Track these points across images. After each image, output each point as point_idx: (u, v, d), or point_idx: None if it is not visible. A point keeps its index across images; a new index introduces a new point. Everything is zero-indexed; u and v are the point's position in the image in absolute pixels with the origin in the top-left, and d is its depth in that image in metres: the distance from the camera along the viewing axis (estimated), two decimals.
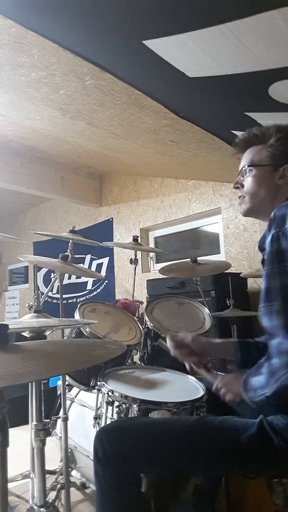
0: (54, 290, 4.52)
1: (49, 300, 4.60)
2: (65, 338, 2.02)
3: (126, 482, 1.05)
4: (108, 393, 1.32)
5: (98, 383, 1.50)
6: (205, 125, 2.07)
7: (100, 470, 1.06)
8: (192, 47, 1.24)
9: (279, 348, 0.90)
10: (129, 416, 1.25)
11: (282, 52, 1.20)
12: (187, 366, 1.26)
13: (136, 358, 1.83)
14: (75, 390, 1.97)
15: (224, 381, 1.12)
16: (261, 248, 1.17)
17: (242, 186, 1.18)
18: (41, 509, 1.18)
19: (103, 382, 1.38)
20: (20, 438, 2.11)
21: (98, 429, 1.23)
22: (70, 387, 1.89)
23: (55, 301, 4.63)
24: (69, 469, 1.77)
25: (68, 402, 1.91)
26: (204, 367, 1.23)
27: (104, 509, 1.06)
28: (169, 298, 2.05)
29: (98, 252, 4.44)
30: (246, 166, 1.16)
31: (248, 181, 1.16)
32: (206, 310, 1.96)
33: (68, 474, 1.70)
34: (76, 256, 2.09)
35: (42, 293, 1.86)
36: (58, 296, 3.77)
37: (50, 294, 4.43)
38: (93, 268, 4.50)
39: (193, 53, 1.28)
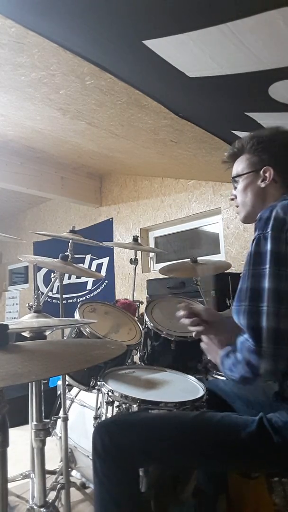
0: (54, 290, 4.52)
1: (49, 300, 4.60)
2: (65, 338, 2.02)
3: (125, 476, 1.06)
4: (108, 393, 1.32)
5: (98, 383, 1.50)
6: (205, 125, 2.07)
7: (99, 463, 1.06)
8: (192, 47, 1.24)
9: (244, 345, 0.95)
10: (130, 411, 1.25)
11: (282, 52, 1.20)
12: (194, 331, 1.24)
13: (136, 358, 1.83)
14: (75, 390, 1.97)
15: (209, 343, 1.17)
16: None
17: (236, 197, 1.25)
18: (41, 509, 1.18)
19: (103, 382, 1.38)
20: (20, 438, 2.11)
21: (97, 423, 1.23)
22: (70, 387, 1.89)
23: (55, 301, 4.63)
24: (69, 469, 1.77)
25: (68, 402, 1.91)
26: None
27: (102, 503, 1.06)
28: (169, 298, 2.05)
29: (98, 252, 4.44)
30: (234, 179, 1.23)
31: (238, 191, 1.22)
32: None
33: (68, 474, 1.70)
34: (76, 256, 2.09)
35: (42, 293, 1.86)
36: (58, 296, 3.77)
37: (50, 294, 4.43)
38: (93, 268, 4.50)
39: (193, 53, 1.28)
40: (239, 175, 1.21)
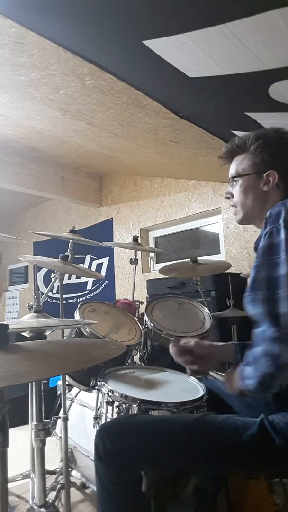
0: (54, 290, 4.52)
1: (49, 300, 4.60)
2: (65, 338, 2.02)
3: (127, 479, 1.06)
4: (108, 393, 1.32)
5: (98, 383, 1.50)
6: (205, 125, 2.07)
7: (101, 466, 1.06)
8: (192, 47, 1.24)
9: (262, 336, 0.92)
10: (130, 414, 1.25)
11: (282, 52, 1.20)
12: (189, 371, 1.26)
13: (136, 358, 1.83)
14: (75, 390, 1.97)
15: (229, 376, 1.12)
16: (256, 249, 1.18)
17: (232, 195, 1.22)
18: (41, 509, 1.18)
19: (103, 382, 1.38)
20: (20, 438, 2.11)
21: (99, 426, 1.23)
22: (70, 387, 1.89)
23: (55, 301, 4.63)
24: (69, 469, 1.77)
25: (68, 402, 1.91)
26: (210, 369, 1.24)
27: (104, 505, 1.06)
28: (169, 298, 2.05)
29: (98, 252, 4.44)
30: (234, 177, 1.20)
31: (236, 191, 1.19)
32: (206, 310, 1.96)
33: (68, 474, 1.70)
34: (76, 256, 2.09)
35: (42, 293, 1.86)
36: (58, 296, 3.77)
37: (50, 294, 4.43)
38: (93, 268, 4.50)
39: (193, 53, 1.28)
40: (240, 175, 1.18)
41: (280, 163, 1.14)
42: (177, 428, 1.08)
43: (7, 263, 6.20)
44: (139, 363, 1.82)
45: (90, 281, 4.55)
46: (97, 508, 1.09)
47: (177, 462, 1.08)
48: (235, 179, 1.19)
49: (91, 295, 4.50)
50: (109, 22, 1.26)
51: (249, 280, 1.02)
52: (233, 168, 1.21)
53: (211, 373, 1.24)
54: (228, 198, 1.24)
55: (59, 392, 2.01)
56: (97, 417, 1.48)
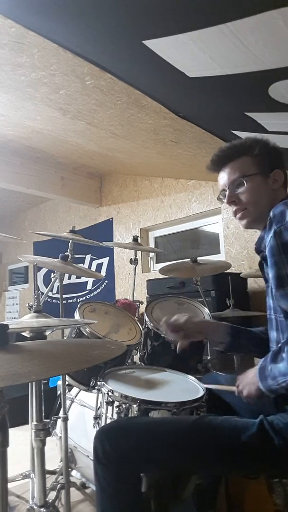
0: (54, 290, 4.52)
1: (49, 300, 4.60)
2: (65, 338, 2.02)
3: (126, 481, 1.05)
4: (108, 393, 1.32)
5: (98, 383, 1.50)
6: (205, 125, 2.07)
7: (100, 470, 1.06)
8: (192, 47, 1.24)
9: None
10: (129, 416, 1.25)
11: (282, 52, 1.20)
12: (179, 344, 1.27)
13: (136, 358, 1.83)
14: (75, 390, 1.97)
15: (241, 378, 1.12)
16: (258, 251, 1.18)
17: (239, 199, 1.17)
18: (41, 509, 1.18)
19: (103, 382, 1.38)
20: (20, 438, 2.11)
21: (98, 429, 1.23)
22: (70, 387, 1.89)
23: (55, 301, 4.63)
24: (69, 469, 1.77)
25: (68, 402, 1.91)
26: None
27: (104, 509, 1.06)
28: (169, 298, 2.05)
29: (98, 252, 4.44)
30: (241, 178, 1.16)
31: (246, 193, 1.16)
32: (206, 310, 1.96)
33: (68, 474, 1.70)
34: (76, 256, 2.09)
35: (42, 293, 1.86)
36: (58, 296, 3.77)
37: (50, 294, 4.43)
38: (93, 268, 4.50)
39: (193, 53, 1.28)
40: (248, 175, 1.15)
41: (284, 163, 1.17)
42: (177, 429, 1.08)
43: (7, 263, 6.20)
44: (139, 363, 1.82)
45: (90, 281, 4.55)
46: (96, 510, 1.09)
47: (177, 464, 1.08)
48: (244, 179, 1.15)
49: (91, 295, 4.50)
50: (109, 22, 1.26)
51: (271, 279, 1.02)
52: (234, 171, 1.18)
53: (217, 386, 1.26)
54: (233, 202, 1.19)
55: (59, 392, 2.01)
56: (97, 417, 1.48)
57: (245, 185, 1.15)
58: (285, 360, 0.94)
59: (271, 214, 1.04)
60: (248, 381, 1.06)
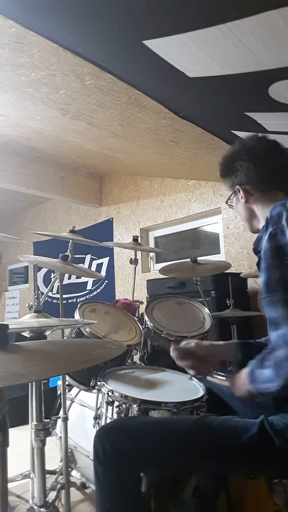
0: (54, 290, 4.52)
1: (49, 300, 4.60)
2: (65, 338, 2.02)
3: (126, 481, 1.05)
4: (108, 393, 1.32)
5: (98, 383, 1.50)
6: (205, 125, 2.07)
7: (100, 469, 1.06)
8: (192, 47, 1.24)
9: (284, 339, 0.91)
10: (129, 416, 1.25)
11: (282, 52, 1.20)
12: (192, 372, 1.26)
13: (136, 358, 1.83)
14: (75, 390, 1.97)
15: (234, 378, 1.12)
16: (256, 251, 1.19)
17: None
18: (41, 509, 1.18)
19: (103, 382, 1.38)
20: (20, 438, 2.11)
21: (98, 428, 1.23)
22: (70, 387, 1.89)
23: (55, 301, 4.63)
24: (69, 469, 1.77)
25: (68, 402, 1.91)
26: (212, 370, 1.24)
27: (103, 508, 1.06)
28: (169, 298, 2.05)
29: (98, 252, 4.44)
30: (228, 204, 1.32)
31: (237, 213, 1.32)
32: (206, 310, 1.96)
33: (68, 474, 1.70)
34: (76, 256, 2.09)
35: (42, 293, 1.86)
36: (58, 296, 3.77)
37: (50, 294, 4.43)
38: (93, 268, 4.50)
39: (193, 53, 1.28)
40: (228, 198, 1.30)
41: (241, 178, 1.22)
42: (177, 429, 1.08)
43: (7, 263, 6.20)
44: (139, 363, 1.82)
45: (90, 281, 4.55)
46: (96, 510, 1.09)
47: (176, 464, 1.08)
48: (228, 203, 1.32)
49: (91, 295, 4.50)
50: (109, 22, 1.26)
51: (260, 283, 1.02)
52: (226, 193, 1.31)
53: (211, 378, 1.24)
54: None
55: (59, 392, 2.01)
56: (97, 417, 1.48)
57: (233, 207, 1.30)
58: (268, 368, 0.94)
59: (268, 215, 1.04)
60: (240, 382, 1.07)
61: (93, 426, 1.49)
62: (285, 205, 1.01)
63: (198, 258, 2.26)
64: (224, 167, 1.27)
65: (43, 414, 1.21)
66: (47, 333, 1.28)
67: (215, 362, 1.22)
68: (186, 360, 1.23)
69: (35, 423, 1.19)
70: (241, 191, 1.22)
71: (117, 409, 1.28)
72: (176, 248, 3.94)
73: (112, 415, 1.30)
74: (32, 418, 1.23)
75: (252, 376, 0.99)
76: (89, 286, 4.58)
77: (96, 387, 1.58)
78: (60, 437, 1.81)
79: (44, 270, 4.70)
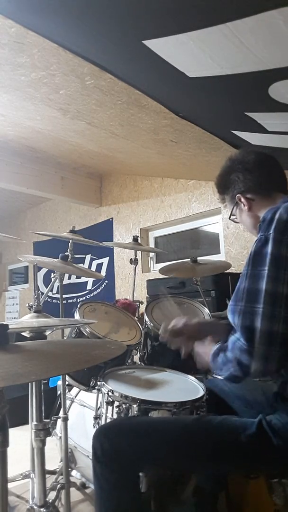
0: (54, 290, 4.52)
1: (49, 300, 4.60)
2: (65, 338, 2.02)
3: (125, 481, 1.06)
4: (108, 393, 1.32)
5: (98, 383, 1.50)
6: (205, 125, 2.07)
7: (99, 469, 1.06)
8: (192, 47, 1.24)
9: (236, 345, 0.97)
10: (129, 416, 1.25)
11: (282, 52, 1.20)
12: (182, 352, 1.29)
13: (136, 358, 1.83)
14: (75, 390, 1.97)
15: (199, 349, 1.20)
16: None
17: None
18: (41, 509, 1.18)
19: (103, 382, 1.38)
20: (20, 438, 2.11)
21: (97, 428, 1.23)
22: (70, 387, 1.89)
23: (55, 301, 4.63)
24: (69, 469, 1.77)
25: (68, 402, 1.91)
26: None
27: (103, 508, 1.06)
28: (169, 298, 2.05)
29: (98, 252, 4.44)
30: (232, 219, 1.35)
31: (241, 222, 1.33)
32: (206, 310, 1.96)
33: (68, 474, 1.70)
34: (76, 256, 2.09)
35: (42, 293, 1.86)
36: (58, 296, 3.77)
37: (50, 294, 4.43)
38: (93, 268, 4.50)
39: (193, 53, 1.28)
40: (231, 214, 1.33)
41: (240, 187, 1.24)
42: (175, 429, 1.08)
43: (7, 263, 6.20)
44: (139, 363, 1.82)
45: (90, 281, 4.55)
46: (95, 509, 1.09)
47: (175, 463, 1.09)
48: (232, 218, 1.34)
49: (91, 295, 4.50)
50: (109, 22, 1.26)
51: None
52: (227, 209, 1.34)
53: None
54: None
55: (59, 392, 2.01)
56: (97, 417, 1.48)
57: (237, 219, 1.32)
58: (221, 359, 1.02)
59: (261, 218, 1.05)
60: (204, 352, 1.15)
61: (93, 426, 1.49)
62: (277, 211, 1.01)
63: (198, 258, 2.27)
64: (221, 183, 1.32)
65: (43, 414, 1.21)
66: (47, 333, 1.28)
67: (202, 337, 1.24)
68: (178, 341, 1.27)
69: (35, 423, 1.19)
70: (242, 199, 1.24)
71: (117, 409, 1.28)
72: (176, 248, 3.94)
73: (112, 415, 1.30)
74: (32, 418, 1.22)
75: (214, 358, 1.06)
76: (89, 286, 4.58)
77: (96, 387, 1.58)
78: (60, 437, 1.81)
79: (44, 270, 4.70)
